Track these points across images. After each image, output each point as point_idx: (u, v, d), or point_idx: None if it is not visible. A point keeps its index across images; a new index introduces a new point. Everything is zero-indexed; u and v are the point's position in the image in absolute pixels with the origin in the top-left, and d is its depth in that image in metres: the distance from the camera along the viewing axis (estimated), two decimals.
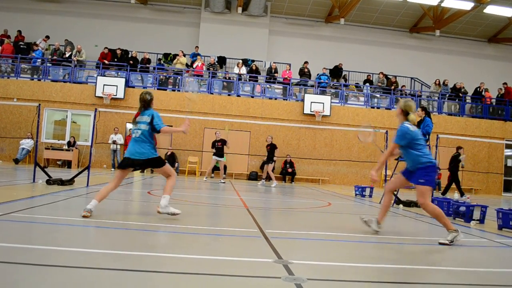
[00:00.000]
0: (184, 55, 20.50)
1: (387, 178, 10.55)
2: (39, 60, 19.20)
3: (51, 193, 7.24)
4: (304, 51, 23.12)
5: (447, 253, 4.52)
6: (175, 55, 20.31)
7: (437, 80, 21.38)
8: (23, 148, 16.56)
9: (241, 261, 3.51)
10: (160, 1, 23.24)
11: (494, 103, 21.70)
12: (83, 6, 22.79)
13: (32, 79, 18.75)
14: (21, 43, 20.39)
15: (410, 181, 5.14)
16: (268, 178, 15.32)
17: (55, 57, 19.37)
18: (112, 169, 17.43)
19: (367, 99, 20.60)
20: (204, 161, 18.22)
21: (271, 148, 14.95)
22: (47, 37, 20.55)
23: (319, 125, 18.33)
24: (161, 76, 19.78)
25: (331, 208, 8.55)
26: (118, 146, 17.57)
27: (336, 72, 22.20)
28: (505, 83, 21.63)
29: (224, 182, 14.09)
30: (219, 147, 14.32)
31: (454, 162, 14.86)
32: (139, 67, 19.57)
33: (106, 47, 19.88)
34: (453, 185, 19.38)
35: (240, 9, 22.35)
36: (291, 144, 18.85)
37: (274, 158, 15.01)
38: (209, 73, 19.93)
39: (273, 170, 15.12)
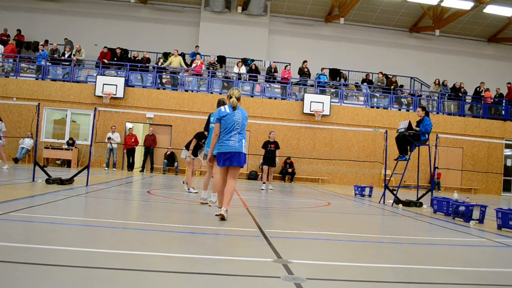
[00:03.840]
0: (182, 54, 20.47)
1: (386, 178, 10.54)
2: (43, 61, 19.13)
3: (50, 193, 7.24)
4: (304, 50, 23.13)
5: (446, 253, 4.52)
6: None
7: (437, 80, 21.39)
8: (22, 148, 16.54)
9: (240, 260, 3.50)
10: (160, 0, 23.23)
11: (493, 103, 21.68)
12: (82, 5, 22.78)
13: (37, 79, 18.73)
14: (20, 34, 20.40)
15: None
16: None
17: (54, 56, 19.33)
18: (106, 168, 17.39)
19: (367, 98, 20.60)
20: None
21: (276, 147, 12.76)
22: (46, 41, 20.39)
23: (318, 125, 18.34)
24: (161, 76, 19.75)
25: (331, 208, 8.55)
26: (115, 145, 17.54)
27: (335, 72, 22.22)
28: (509, 83, 21.62)
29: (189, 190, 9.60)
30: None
31: None
32: (139, 66, 19.56)
33: (105, 46, 19.87)
34: (453, 185, 19.48)
35: (240, 9, 22.36)
36: (290, 144, 18.85)
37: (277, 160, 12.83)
38: (208, 72, 19.93)
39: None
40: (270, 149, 12.61)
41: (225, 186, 5.75)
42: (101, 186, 9.39)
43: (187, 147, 9.48)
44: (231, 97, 5.70)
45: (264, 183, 12.53)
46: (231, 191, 5.61)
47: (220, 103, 7.06)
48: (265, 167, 12.64)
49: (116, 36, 22.04)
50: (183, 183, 9.93)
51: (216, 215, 5.48)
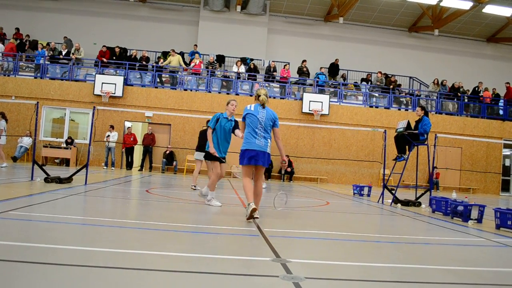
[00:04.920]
0: (181, 53, 20.46)
1: (385, 177, 10.55)
2: (42, 59, 19.08)
3: (49, 191, 7.23)
4: (303, 50, 23.14)
5: (445, 252, 4.53)
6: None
7: (436, 80, 21.41)
8: (21, 146, 16.52)
9: (239, 259, 3.51)
10: None
11: (491, 103, 21.70)
12: (82, 3, 22.76)
13: (36, 77, 18.70)
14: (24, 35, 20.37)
15: None
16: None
17: (51, 54, 19.27)
18: (105, 167, 17.39)
19: (366, 98, 20.61)
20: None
21: None
22: (48, 44, 20.33)
23: (317, 124, 18.35)
24: (160, 75, 19.74)
25: (330, 207, 8.56)
26: (114, 144, 17.52)
27: (334, 70, 22.18)
28: (507, 83, 21.64)
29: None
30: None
31: None
32: (137, 65, 19.54)
33: (104, 45, 19.84)
34: (452, 185, 19.50)
35: (239, 8, 22.36)
36: (289, 143, 18.85)
37: None
38: (207, 71, 19.91)
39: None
40: None
41: (251, 183, 5.68)
42: (100, 185, 9.39)
43: (198, 149, 9.78)
44: (259, 96, 5.70)
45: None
46: (260, 192, 5.66)
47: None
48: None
49: (115, 35, 22.02)
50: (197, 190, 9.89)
51: (251, 217, 5.36)
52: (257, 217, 5.49)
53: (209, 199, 6.99)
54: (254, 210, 5.31)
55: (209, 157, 7.03)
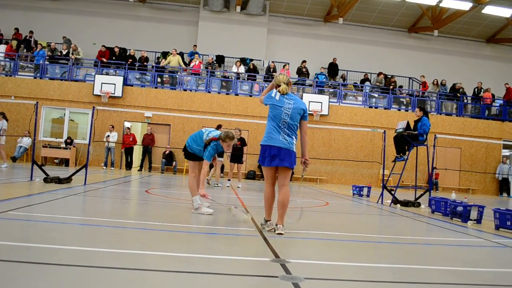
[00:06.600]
0: (180, 54, 20.47)
1: (384, 178, 10.55)
2: (41, 60, 19.07)
3: (48, 191, 7.23)
4: (303, 50, 23.15)
5: (444, 253, 4.53)
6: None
7: (435, 80, 21.42)
8: (20, 146, 16.51)
9: (238, 260, 3.50)
10: None
11: (491, 103, 21.72)
12: (81, 3, 22.76)
13: (35, 78, 18.69)
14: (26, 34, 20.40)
15: None
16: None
17: (50, 54, 19.25)
18: (104, 167, 17.39)
19: (365, 98, 20.62)
20: None
21: (242, 144, 12.27)
22: (48, 45, 20.34)
23: (317, 125, 18.34)
24: (160, 75, 19.75)
25: (329, 208, 8.56)
26: (113, 144, 17.51)
27: (333, 70, 22.17)
28: (507, 83, 21.65)
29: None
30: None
31: None
32: (137, 65, 19.54)
33: (103, 45, 19.84)
34: (451, 185, 19.51)
35: (238, 8, 22.36)
36: None
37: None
38: (207, 72, 19.91)
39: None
40: (236, 146, 12.05)
41: (273, 193, 4.90)
42: (99, 185, 9.38)
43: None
44: (279, 86, 4.97)
45: (229, 180, 12.52)
46: (286, 201, 4.71)
47: (221, 136, 5.85)
48: (232, 164, 12.35)
49: (114, 35, 22.02)
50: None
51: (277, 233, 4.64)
52: (281, 233, 4.63)
53: (197, 207, 6.07)
54: (274, 228, 4.69)
55: (190, 157, 6.17)
